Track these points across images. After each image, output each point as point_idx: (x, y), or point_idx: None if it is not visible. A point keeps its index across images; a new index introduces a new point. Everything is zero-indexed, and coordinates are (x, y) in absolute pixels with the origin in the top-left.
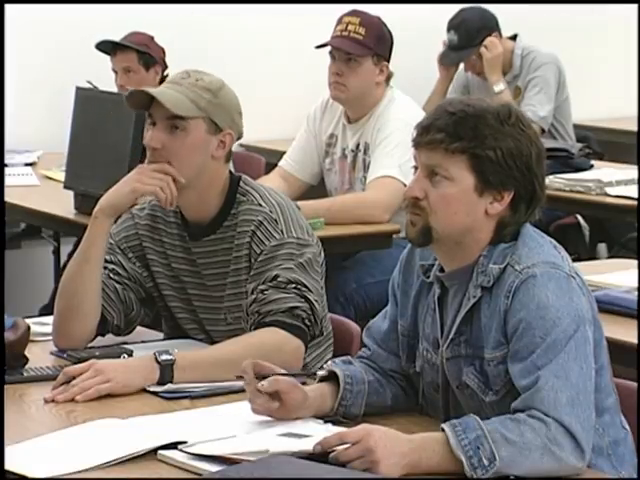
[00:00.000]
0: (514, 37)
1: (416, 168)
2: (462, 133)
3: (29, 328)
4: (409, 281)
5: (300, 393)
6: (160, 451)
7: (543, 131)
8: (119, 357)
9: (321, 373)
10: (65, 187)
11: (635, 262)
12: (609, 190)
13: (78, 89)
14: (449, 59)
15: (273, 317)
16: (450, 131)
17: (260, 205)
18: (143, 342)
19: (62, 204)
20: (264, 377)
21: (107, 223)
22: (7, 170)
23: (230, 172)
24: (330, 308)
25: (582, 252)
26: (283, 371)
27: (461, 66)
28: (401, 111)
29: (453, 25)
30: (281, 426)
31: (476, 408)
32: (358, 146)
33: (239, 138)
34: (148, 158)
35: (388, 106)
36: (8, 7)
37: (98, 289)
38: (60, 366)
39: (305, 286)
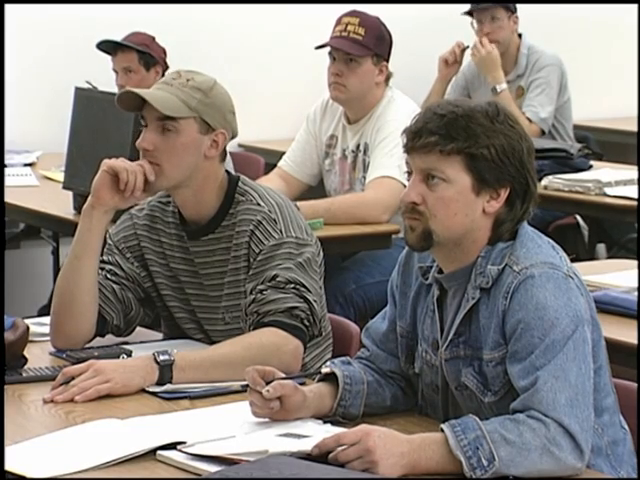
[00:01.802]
0: (519, 36)
1: (409, 173)
2: (455, 134)
3: (28, 328)
4: (408, 282)
5: (300, 395)
6: (159, 451)
7: (543, 132)
8: (118, 357)
9: (324, 371)
10: (64, 187)
11: (635, 262)
12: (608, 190)
13: (77, 89)
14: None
15: (272, 317)
16: (443, 133)
17: (259, 205)
18: (142, 342)
19: (61, 204)
20: (266, 382)
21: (95, 217)
22: (6, 170)
23: (228, 172)
24: (329, 308)
25: (581, 252)
26: (283, 375)
27: (461, 67)
28: (400, 111)
29: None
30: (280, 426)
31: (475, 409)
32: (358, 147)
33: (233, 137)
34: (140, 159)
35: (388, 106)
36: (8, 7)
37: (91, 286)
38: (59, 366)
39: (304, 286)
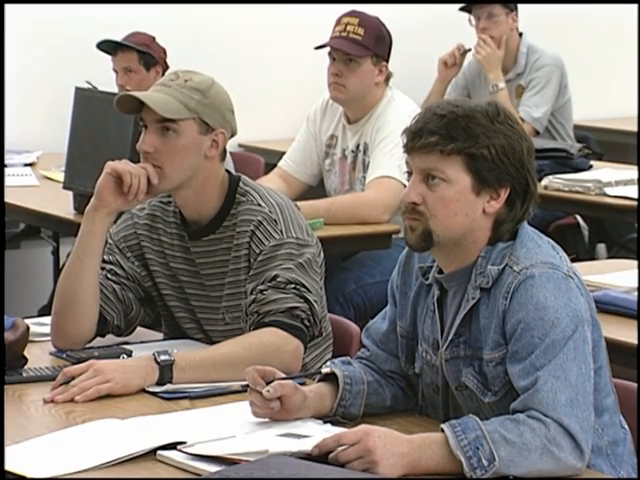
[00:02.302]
0: (519, 35)
1: (409, 173)
2: (455, 134)
3: (28, 328)
4: (408, 282)
5: (300, 396)
6: (159, 451)
7: (537, 133)
8: (118, 357)
9: (324, 371)
10: (64, 187)
11: (635, 262)
12: (608, 190)
13: (77, 89)
14: None
15: (272, 317)
16: (443, 133)
17: (260, 205)
18: (142, 342)
19: (61, 204)
20: (267, 382)
21: (97, 219)
22: (6, 170)
23: (229, 172)
24: (330, 308)
25: (581, 252)
26: (283, 375)
27: (462, 68)
28: (400, 111)
29: None
30: (280, 426)
31: (475, 409)
32: (358, 147)
33: (233, 136)
34: (141, 162)
35: (387, 106)
36: (8, 7)
37: (93, 287)
38: (59, 366)
39: (304, 286)
